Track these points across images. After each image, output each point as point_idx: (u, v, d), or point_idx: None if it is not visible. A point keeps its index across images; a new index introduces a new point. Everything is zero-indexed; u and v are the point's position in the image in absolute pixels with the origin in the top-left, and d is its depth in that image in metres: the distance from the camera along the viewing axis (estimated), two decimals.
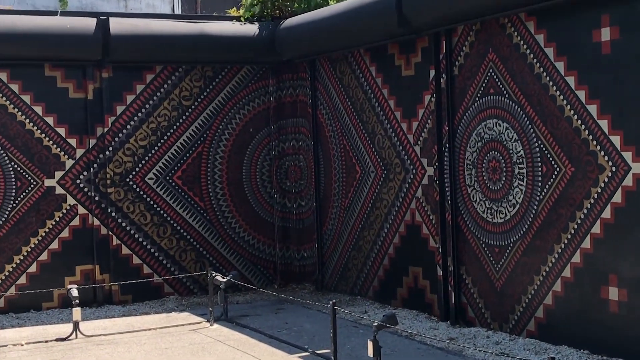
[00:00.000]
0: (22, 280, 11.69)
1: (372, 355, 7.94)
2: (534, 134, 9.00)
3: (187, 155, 12.62)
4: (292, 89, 13.03)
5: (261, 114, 13.08)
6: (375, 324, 7.99)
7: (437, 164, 10.30)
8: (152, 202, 12.41)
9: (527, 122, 9.07)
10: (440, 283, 10.30)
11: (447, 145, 10.17)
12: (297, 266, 13.15)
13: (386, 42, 10.99)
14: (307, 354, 9.11)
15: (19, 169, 11.67)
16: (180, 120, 12.58)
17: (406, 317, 10.57)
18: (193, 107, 12.64)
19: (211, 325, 10.60)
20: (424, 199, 10.67)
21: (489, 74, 9.58)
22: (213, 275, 10.90)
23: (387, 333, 9.38)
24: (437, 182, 10.30)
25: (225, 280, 10.91)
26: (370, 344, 7.99)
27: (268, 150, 13.15)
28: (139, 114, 12.33)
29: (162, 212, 12.47)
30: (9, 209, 11.62)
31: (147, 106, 12.37)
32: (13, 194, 11.65)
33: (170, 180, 12.53)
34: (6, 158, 11.60)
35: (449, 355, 8.86)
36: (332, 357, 8.23)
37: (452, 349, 9.06)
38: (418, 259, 10.85)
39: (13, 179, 11.65)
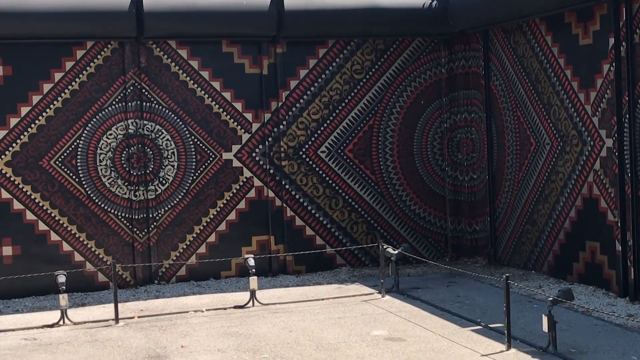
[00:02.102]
0: (202, 249, 12.17)
1: (546, 330, 7.81)
2: None
3: (359, 128, 12.73)
4: (465, 61, 12.86)
5: (433, 86, 13.01)
6: (551, 298, 7.85)
7: (616, 135, 9.94)
8: (324, 175, 12.61)
9: None
10: (618, 258, 9.97)
11: (627, 116, 9.78)
12: (469, 239, 13.04)
13: (563, 10, 10.67)
14: (479, 327, 9.04)
15: (198, 142, 12.12)
16: (352, 94, 12.69)
17: (582, 292, 10.30)
18: (364, 80, 12.72)
19: (382, 296, 10.69)
20: (602, 171, 10.32)
21: None
22: (384, 247, 10.97)
23: (563, 308, 9.17)
24: (617, 154, 9.94)
25: (396, 252, 10.96)
26: (545, 319, 7.86)
27: (439, 122, 13.06)
28: (312, 88, 12.53)
29: (334, 184, 12.65)
30: (189, 181, 12.10)
31: (319, 80, 12.54)
32: (193, 167, 12.12)
33: (342, 153, 12.68)
34: (187, 132, 12.07)
35: (628, 332, 8.58)
36: (505, 331, 8.14)
37: (632, 325, 8.76)
38: (595, 234, 10.53)
39: (193, 153, 12.11)
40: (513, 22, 11.70)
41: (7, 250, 11.36)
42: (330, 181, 12.64)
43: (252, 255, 10.93)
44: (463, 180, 13.04)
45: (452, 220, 13.10)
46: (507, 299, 8.06)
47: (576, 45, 10.68)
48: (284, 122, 12.41)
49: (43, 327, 9.78)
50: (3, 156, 11.35)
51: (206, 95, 12.14)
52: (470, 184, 13.00)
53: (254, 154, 12.36)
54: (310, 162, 12.56)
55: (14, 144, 11.39)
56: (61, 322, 9.84)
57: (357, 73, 12.70)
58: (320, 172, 12.59)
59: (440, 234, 13.13)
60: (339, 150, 12.66)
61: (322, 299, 10.72)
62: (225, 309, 10.40)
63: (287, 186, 12.44)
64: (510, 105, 12.04)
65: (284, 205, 12.43)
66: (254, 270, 10.56)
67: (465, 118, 12.97)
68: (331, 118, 12.62)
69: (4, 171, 11.35)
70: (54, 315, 10.11)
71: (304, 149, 12.52)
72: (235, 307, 10.45)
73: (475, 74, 12.80)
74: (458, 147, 13.04)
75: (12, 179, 11.39)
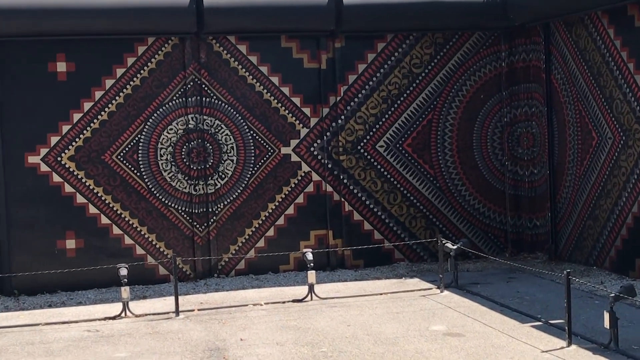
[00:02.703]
0: (261, 243, 12.24)
1: (608, 327, 7.70)
2: None
3: (417, 122, 12.68)
4: (525, 54, 12.72)
5: (492, 80, 12.89)
6: (613, 295, 7.74)
7: None
8: (382, 170, 12.59)
9: None
10: None
11: None
12: (529, 235, 12.90)
13: (625, 2, 10.48)
14: (539, 323, 8.95)
15: (257, 137, 12.19)
16: (411, 88, 12.64)
17: None
18: (423, 74, 12.66)
19: (441, 291, 10.64)
20: None
21: None
22: (443, 242, 10.92)
23: (625, 305, 9.03)
24: None
25: (455, 247, 10.90)
26: (606, 315, 7.76)
27: (499, 117, 12.95)
28: (370, 83, 12.51)
29: (392, 179, 12.63)
30: (248, 176, 12.18)
31: (378, 75, 12.52)
32: (252, 162, 12.20)
33: (401, 148, 12.64)
34: (245, 127, 12.15)
35: None
36: (566, 328, 8.05)
37: None
38: None
39: (252, 147, 12.19)
40: (574, 15, 11.54)
41: (71, 244, 11.57)
42: (388, 175, 12.61)
43: (311, 250, 10.96)
44: (523, 175, 12.90)
45: (512, 216, 12.98)
46: (568, 295, 7.97)
47: (639, 38, 10.48)
48: (342, 117, 12.42)
49: (105, 319, 9.94)
50: (66, 151, 11.55)
51: (265, 90, 12.20)
52: (531, 178, 12.86)
53: (312, 149, 12.39)
54: (369, 157, 12.55)
55: (77, 139, 11.59)
56: (123, 314, 9.99)
57: (416, 67, 12.65)
58: (379, 166, 12.58)
59: (499, 229, 13.02)
60: (398, 145, 12.63)
61: (381, 294, 10.71)
62: (283, 302, 10.45)
63: (345, 180, 12.45)
64: (572, 99, 11.88)
65: (342, 199, 12.44)
66: (312, 264, 10.60)
67: (526, 112, 12.83)
68: (390, 112, 12.59)
69: (67, 165, 11.56)
70: (115, 308, 10.27)
71: (362, 144, 12.52)
72: (293, 300, 10.50)
73: (536, 68, 12.65)
74: (518, 141, 12.91)
75: (75, 173, 11.59)
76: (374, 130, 12.55)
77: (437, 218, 12.78)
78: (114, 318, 9.95)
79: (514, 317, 9.26)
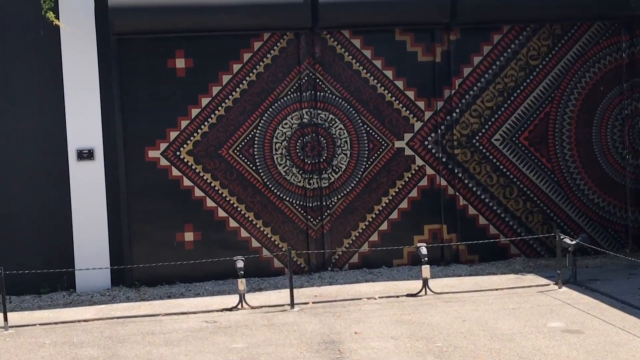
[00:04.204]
0: (374, 237, 12.25)
1: None
2: None
3: (534, 116, 12.44)
4: None
5: (612, 71, 12.53)
6: None
7: None
8: (498, 164, 12.41)
9: None
10: None
11: None
12: None
13: None
14: None
15: (371, 131, 12.20)
16: (528, 81, 12.41)
17: None
18: (540, 66, 12.41)
19: (559, 288, 10.43)
20: None
21: None
22: (561, 237, 10.69)
23: None
24: None
25: (574, 243, 10.67)
26: None
27: (620, 109, 12.58)
28: (486, 75, 12.34)
29: (508, 173, 12.43)
30: (362, 170, 12.20)
31: (494, 67, 12.34)
32: (366, 155, 12.21)
33: (517, 142, 12.43)
34: (359, 121, 12.17)
35: None
36: None
37: None
38: None
39: (366, 141, 12.20)
40: None
41: (189, 236, 11.83)
42: (504, 169, 12.43)
43: (425, 244, 10.91)
44: None
45: (632, 210, 12.59)
46: None
47: None
48: (457, 110, 12.30)
49: (222, 310, 10.14)
50: (185, 145, 11.82)
51: (379, 84, 12.19)
52: None
53: (426, 142, 12.32)
54: (484, 150, 12.39)
55: (195, 134, 11.84)
56: (239, 306, 10.17)
57: (533, 59, 12.41)
58: (494, 160, 12.40)
59: (620, 225, 12.66)
60: (514, 138, 12.42)
61: (496, 289, 10.57)
62: (397, 297, 10.44)
63: (459, 174, 12.33)
64: None
65: (457, 193, 12.32)
66: (426, 258, 10.54)
67: None
68: (505, 105, 12.40)
69: (186, 160, 11.82)
70: (232, 299, 10.46)
71: (477, 137, 12.37)
72: (407, 295, 10.48)
73: None
74: (639, 134, 12.54)
75: (193, 167, 11.85)
76: (490, 123, 12.38)
77: (554, 213, 12.52)
78: (230, 309, 10.13)
79: (635, 314, 9.00)
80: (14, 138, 11.60)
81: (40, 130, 11.63)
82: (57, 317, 10.16)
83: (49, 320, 9.98)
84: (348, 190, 12.18)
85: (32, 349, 8.84)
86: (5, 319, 9.67)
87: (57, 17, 11.10)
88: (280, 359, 8.08)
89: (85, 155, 11.56)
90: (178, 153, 11.82)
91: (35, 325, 9.82)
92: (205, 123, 11.86)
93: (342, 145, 12.14)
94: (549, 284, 10.64)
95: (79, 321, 9.93)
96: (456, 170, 12.31)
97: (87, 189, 11.58)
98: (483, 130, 12.37)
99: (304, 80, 11.97)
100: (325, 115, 12.07)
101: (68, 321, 9.94)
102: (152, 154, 11.78)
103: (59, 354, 8.62)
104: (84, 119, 11.57)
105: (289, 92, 12.00)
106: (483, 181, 12.39)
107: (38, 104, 11.63)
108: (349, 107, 12.12)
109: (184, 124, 11.81)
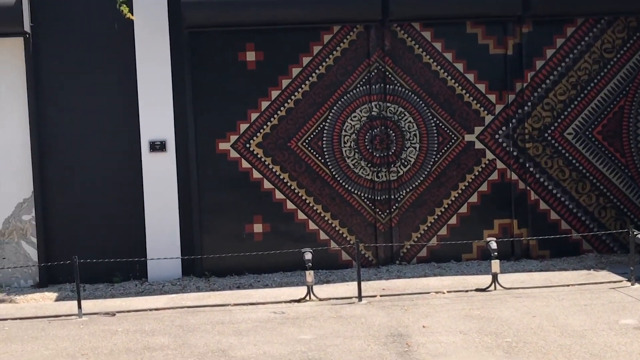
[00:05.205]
0: (443, 231, 12.18)
1: None
2: None
3: (608, 109, 12.22)
4: None
5: None
6: None
7: None
8: (570, 158, 12.22)
9: None
10: None
11: None
12: None
13: None
14: None
15: (440, 124, 12.12)
16: (602, 74, 12.19)
17: None
18: (615, 59, 12.18)
19: (632, 284, 10.24)
20: None
21: None
22: (635, 233, 10.49)
23: None
24: None
25: None
26: None
27: None
28: (559, 68, 12.16)
29: (581, 167, 12.24)
30: (431, 163, 12.14)
31: (567, 60, 12.15)
32: (435, 149, 12.14)
33: (590, 136, 12.23)
34: (429, 114, 12.11)
35: None
36: None
37: None
38: None
39: (435, 135, 12.13)
40: None
41: (258, 228, 11.92)
42: (577, 164, 12.24)
43: (495, 239, 10.81)
44: None
45: None
46: None
47: None
48: (529, 104, 12.14)
49: (290, 301, 10.20)
50: (255, 138, 11.91)
51: (449, 77, 12.10)
52: None
53: (496, 136, 12.19)
54: (556, 144, 12.21)
55: (264, 126, 11.91)
56: (307, 298, 10.21)
57: (608, 52, 12.18)
58: (567, 154, 12.22)
59: None
60: (587, 132, 12.22)
61: (567, 285, 10.42)
62: (466, 291, 10.37)
63: (531, 169, 12.17)
64: None
65: (528, 188, 12.18)
66: (496, 253, 10.44)
67: None
68: (579, 99, 12.20)
69: (255, 152, 11.91)
70: (300, 291, 10.51)
71: (549, 131, 12.20)
72: (476, 290, 10.40)
73: None
74: None
75: (262, 159, 11.93)
76: (562, 117, 12.20)
77: (628, 208, 12.29)
78: (298, 301, 10.19)
79: None
80: (89, 129, 11.84)
81: (114, 122, 11.85)
82: (129, 305, 10.35)
83: (121, 309, 10.17)
84: (417, 183, 12.13)
85: (105, 336, 9.01)
86: (79, 306, 9.89)
87: (131, 11, 11.29)
88: (347, 351, 8.10)
89: (158, 146, 11.74)
90: (248, 145, 11.91)
91: (108, 313, 10.01)
92: (275, 116, 11.92)
93: (411, 138, 12.09)
94: (621, 281, 10.45)
95: (150, 310, 10.10)
96: (527, 165, 12.16)
97: (159, 180, 11.76)
98: (555, 124, 12.20)
99: (373, 73, 11.95)
100: (394, 108, 12.04)
101: (140, 309, 10.11)
102: (223, 146, 11.90)
103: (131, 341, 8.78)
104: (156, 111, 11.74)
105: (358, 85, 11.99)
106: (555, 176, 12.22)
107: (112, 96, 11.85)
108: (418, 100, 12.07)
109: (254, 116, 11.90)
